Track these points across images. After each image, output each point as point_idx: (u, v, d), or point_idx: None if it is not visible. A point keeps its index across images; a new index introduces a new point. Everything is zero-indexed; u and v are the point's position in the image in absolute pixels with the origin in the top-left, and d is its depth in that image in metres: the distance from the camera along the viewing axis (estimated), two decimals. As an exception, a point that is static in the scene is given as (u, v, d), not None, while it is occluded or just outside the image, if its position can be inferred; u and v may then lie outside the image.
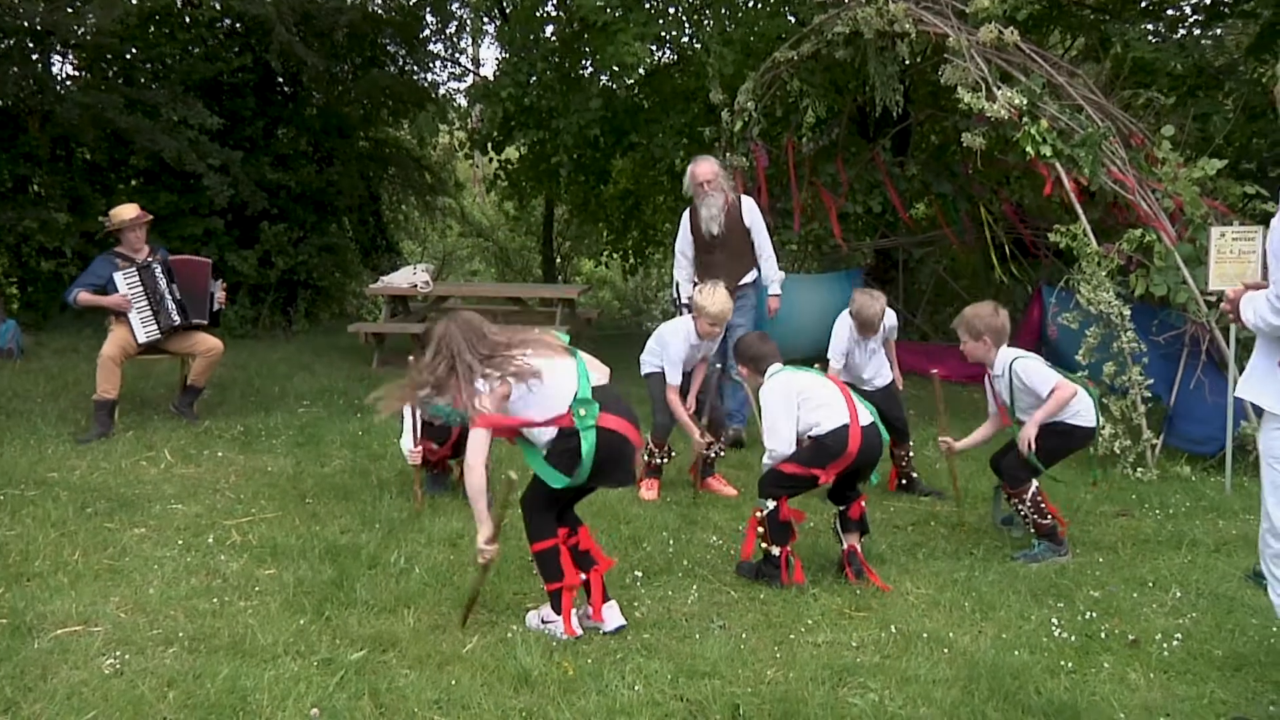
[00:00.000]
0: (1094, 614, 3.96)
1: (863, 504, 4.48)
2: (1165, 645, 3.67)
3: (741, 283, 6.73)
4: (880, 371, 5.90)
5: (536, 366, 3.65)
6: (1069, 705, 3.22)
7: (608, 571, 3.90)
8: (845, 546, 4.41)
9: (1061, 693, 3.32)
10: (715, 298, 5.44)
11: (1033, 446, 4.67)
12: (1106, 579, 4.38)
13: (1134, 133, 6.94)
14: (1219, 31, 9.82)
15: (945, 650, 3.64)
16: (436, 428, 5.35)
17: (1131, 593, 4.23)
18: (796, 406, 4.33)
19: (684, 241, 6.91)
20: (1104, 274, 6.33)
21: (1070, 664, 3.53)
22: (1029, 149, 6.58)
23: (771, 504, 4.33)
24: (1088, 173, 6.52)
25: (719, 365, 5.90)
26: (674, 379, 5.59)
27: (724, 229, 6.68)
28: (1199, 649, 3.66)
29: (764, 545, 4.34)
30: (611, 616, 3.79)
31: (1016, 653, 3.61)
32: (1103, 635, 3.78)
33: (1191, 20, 10.51)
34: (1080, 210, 6.56)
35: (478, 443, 3.64)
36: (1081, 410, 4.73)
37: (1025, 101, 6.59)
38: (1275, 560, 3.05)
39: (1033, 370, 4.71)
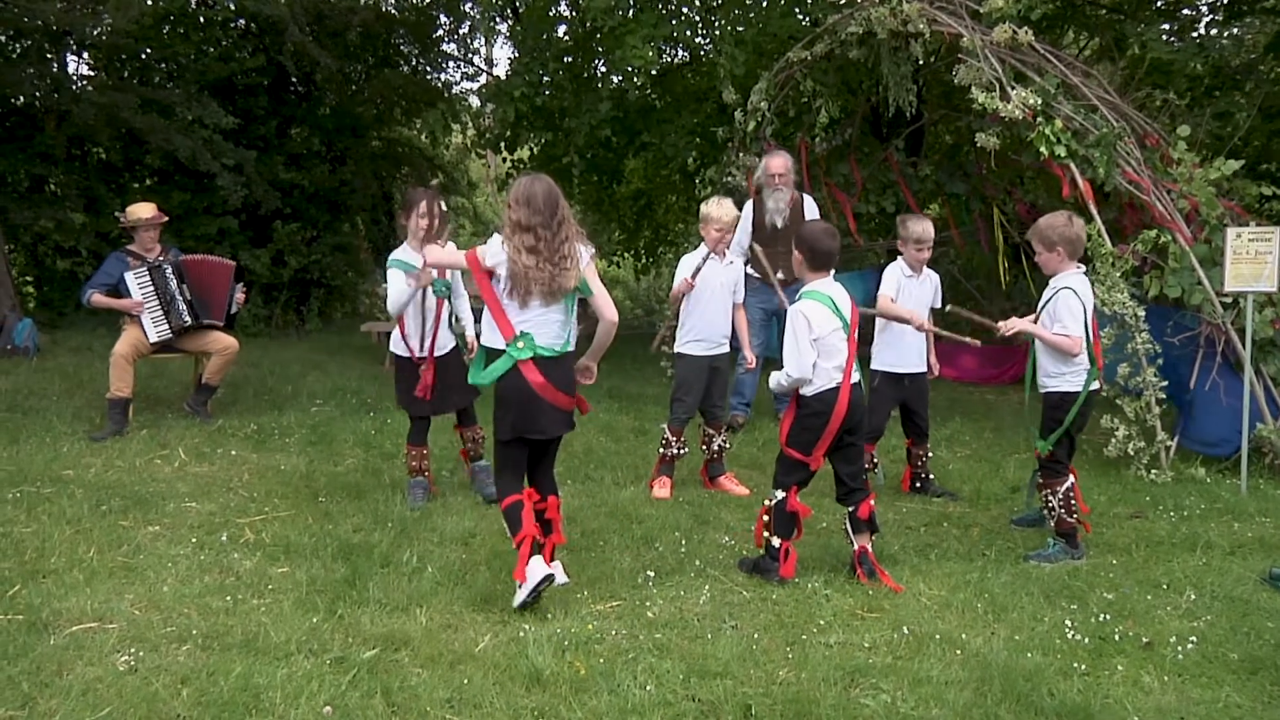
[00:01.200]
0: (1108, 616, 3.94)
1: (871, 504, 4.47)
2: (1180, 648, 3.65)
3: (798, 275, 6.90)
4: (922, 352, 5.85)
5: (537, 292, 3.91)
6: (1082, 708, 3.21)
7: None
8: (856, 548, 4.41)
9: (1074, 695, 3.30)
10: (721, 205, 5.67)
11: (1008, 331, 4.79)
12: (1120, 581, 4.36)
13: (1149, 133, 6.90)
14: (1237, 30, 9.76)
15: (958, 651, 3.63)
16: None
17: (1145, 595, 4.21)
18: (813, 345, 4.33)
19: (744, 234, 7.10)
20: (1119, 275, 6.30)
21: (1083, 666, 3.51)
22: (1043, 149, 6.55)
23: (781, 494, 4.36)
24: (1102, 173, 6.49)
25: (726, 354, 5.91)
26: (682, 271, 5.79)
27: (787, 222, 7.03)
28: (1214, 652, 3.64)
29: (766, 535, 4.37)
30: (534, 571, 3.86)
31: (1029, 654, 3.59)
32: (1116, 637, 3.76)
33: (1209, 19, 10.46)
34: (1095, 211, 6.53)
35: (451, 257, 4.26)
36: (1069, 372, 4.69)
37: (1040, 101, 6.57)
38: None
39: (1068, 304, 4.63)
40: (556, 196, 3.95)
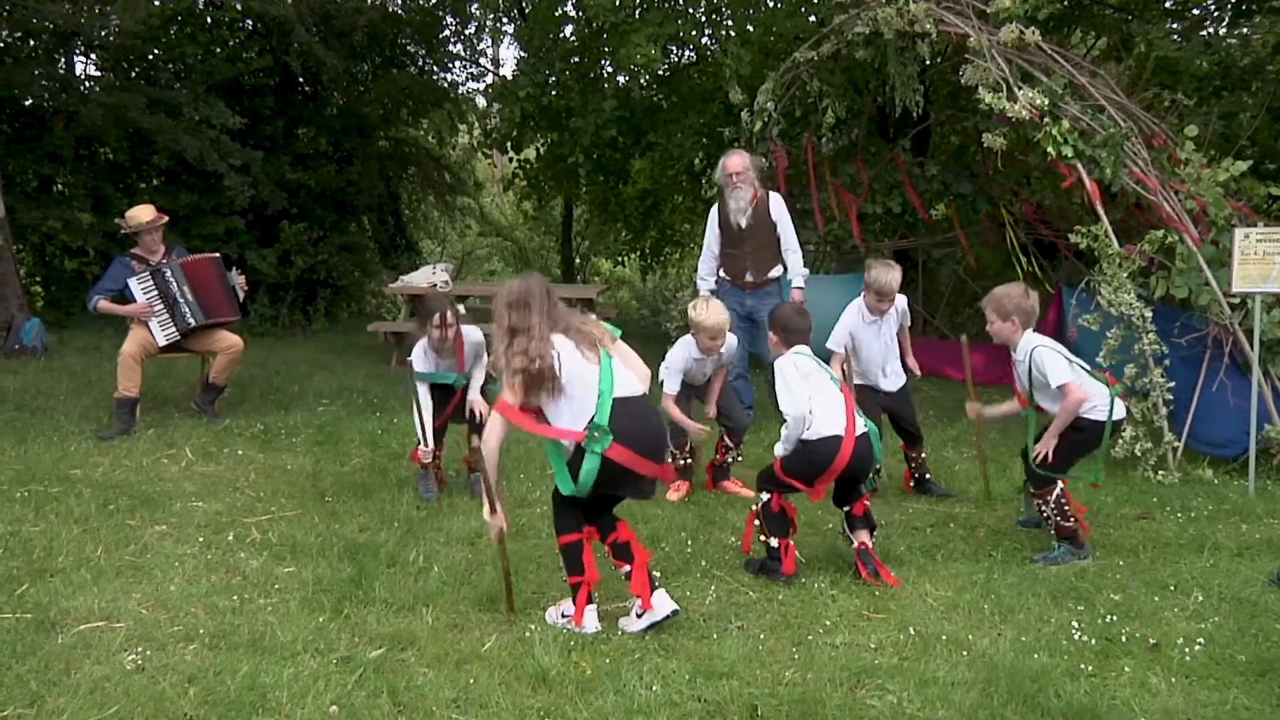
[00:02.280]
0: (1114, 617, 3.94)
1: (866, 502, 4.49)
2: (1187, 650, 3.64)
3: (768, 276, 6.87)
4: (895, 371, 5.87)
5: (566, 375, 3.71)
6: (1089, 709, 3.20)
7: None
8: (856, 544, 4.41)
9: (1081, 696, 3.30)
10: (710, 311, 5.46)
11: (1050, 459, 4.62)
12: (1127, 582, 4.35)
13: (1156, 133, 6.89)
14: (1245, 30, 9.72)
15: (964, 652, 3.62)
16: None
17: (1153, 596, 4.20)
18: (804, 382, 4.33)
19: (711, 236, 7.03)
20: (1125, 275, 6.28)
21: (1090, 667, 3.51)
22: (1050, 149, 6.54)
23: (765, 496, 4.38)
24: (1109, 173, 6.48)
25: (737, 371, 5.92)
26: (670, 388, 5.58)
27: (751, 221, 6.81)
28: (1222, 654, 3.63)
29: (763, 539, 4.38)
30: (661, 604, 3.76)
31: (1036, 656, 3.59)
32: (1123, 639, 3.75)
33: (1216, 18, 10.43)
34: (1101, 211, 6.51)
35: (495, 426, 3.77)
36: (1097, 405, 4.63)
37: (1046, 102, 6.55)
38: None
39: (1047, 360, 4.60)
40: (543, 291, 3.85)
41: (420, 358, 5.49)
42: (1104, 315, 6.43)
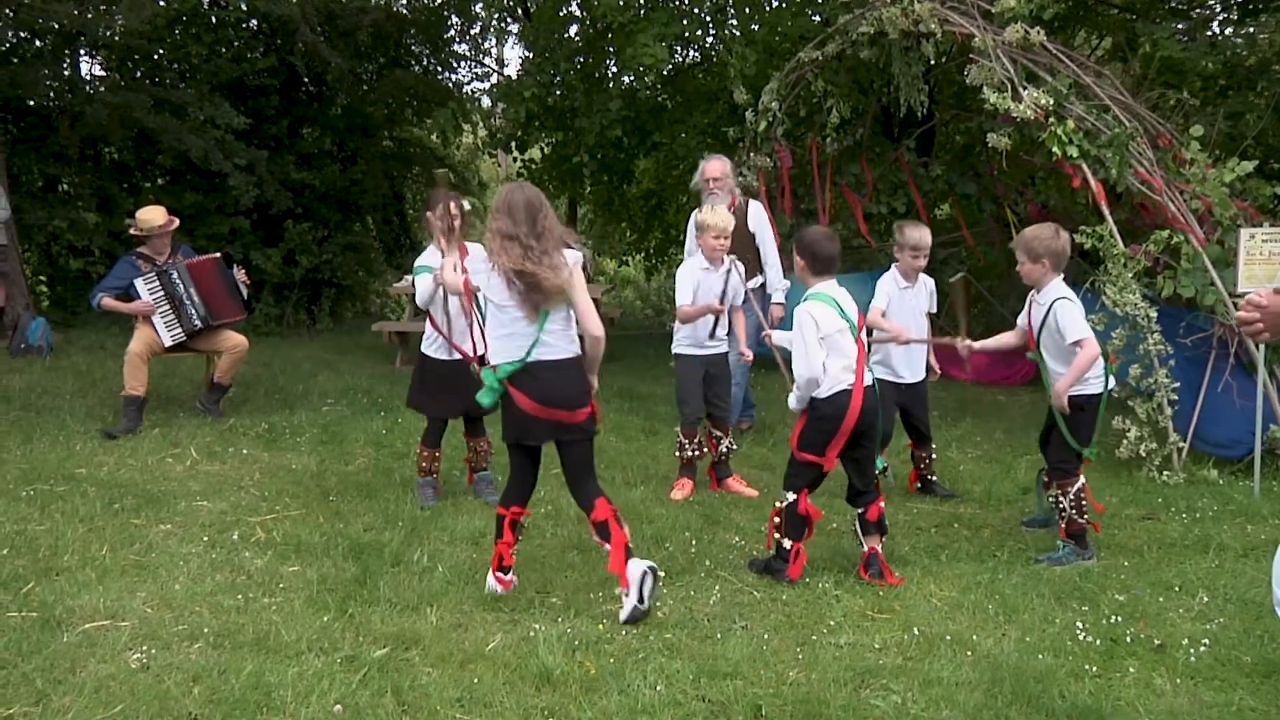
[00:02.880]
0: (1119, 618, 3.93)
1: (880, 506, 4.47)
2: (1192, 651, 3.63)
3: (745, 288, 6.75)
4: (918, 362, 5.83)
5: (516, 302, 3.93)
6: (1093, 710, 3.20)
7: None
8: (866, 549, 4.41)
9: (1086, 697, 3.29)
10: (715, 212, 5.57)
11: (1066, 410, 4.63)
12: (1132, 583, 4.34)
13: (1162, 133, 6.88)
14: (1252, 29, 9.71)
15: (968, 653, 3.62)
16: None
17: (1157, 597, 4.19)
18: (821, 343, 4.30)
19: (693, 242, 6.82)
20: (1130, 275, 6.27)
21: (1095, 668, 3.50)
22: (1055, 149, 6.53)
23: (792, 496, 4.35)
24: (1114, 173, 6.47)
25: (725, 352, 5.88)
26: (682, 298, 5.67)
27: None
28: (1227, 655, 3.62)
29: (777, 537, 4.36)
30: (634, 570, 3.86)
31: (1040, 656, 3.59)
32: (1128, 640, 3.74)
33: (1222, 18, 10.41)
34: (1106, 211, 6.50)
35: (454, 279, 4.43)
36: (1091, 377, 4.66)
37: (1051, 102, 6.55)
38: None
39: (1069, 314, 4.58)
40: (538, 205, 3.95)
41: (429, 256, 5.38)
42: (1109, 315, 6.41)
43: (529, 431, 4.04)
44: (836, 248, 4.46)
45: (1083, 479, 4.68)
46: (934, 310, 5.95)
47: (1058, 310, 4.61)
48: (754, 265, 6.75)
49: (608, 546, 3.92)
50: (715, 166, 6.74)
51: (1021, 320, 4.93)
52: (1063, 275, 4.77)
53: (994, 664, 3.51)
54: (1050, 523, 4.96)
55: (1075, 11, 10.23)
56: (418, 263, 5.39)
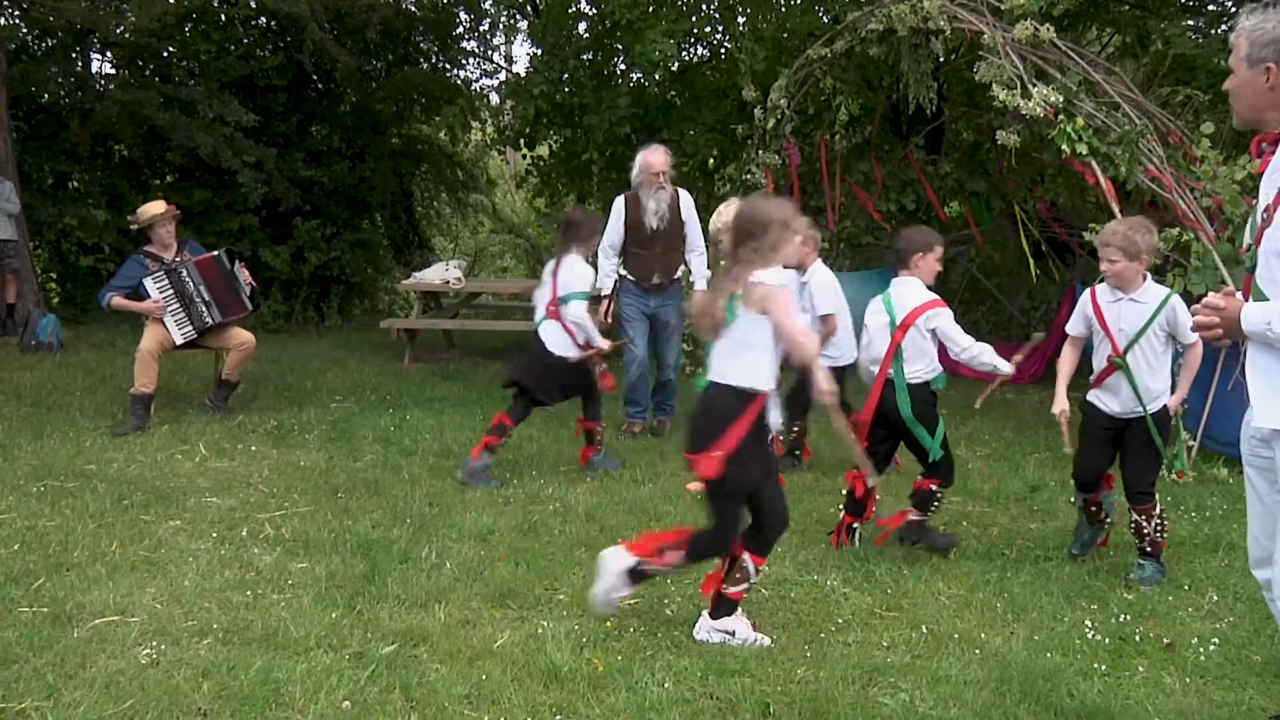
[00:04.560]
0: (1128, 617, 3.92)
1: (928, 483, 4.66)
2: (1202, 650, 3.62)
3: (676, 277, 6.85)
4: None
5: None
6: (1102, 709, 3.19)
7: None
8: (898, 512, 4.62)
9: (1095, 696, 3.28)
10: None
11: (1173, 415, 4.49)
12: (1140, 582, 4.33)
13: (1172, 130, 6.85)
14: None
15: (977, 651, 3.61)
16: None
17: (1167, 596, 4.18)
18: None
19: (615, 234, 6.82)
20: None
21: (1104, 667, 3.50)
22: (1064, 147, 6.51)
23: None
24: (1124, 171, 6.45)
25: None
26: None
27: (665, 223, 6.68)
28: (1237, 654, 3.61)
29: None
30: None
31: (1049, 655, 3.58)
32: (1137, 638, 3.73)
33: (1235, 14, 10.35)
34: (1117, 209, 6.48)
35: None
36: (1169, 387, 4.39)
37: (1061, 99, 6.53)
38: None
39: (1184, 311, 4.16)
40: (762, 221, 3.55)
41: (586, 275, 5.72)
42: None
43: None
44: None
45: (1160, 505, 4.42)
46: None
47: (1178, 307, 4.21)
48: (682, 255, 6.82)
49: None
50: (661, 158, 6.66)
51: (1073, 328, 4.50)
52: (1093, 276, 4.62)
53: (1002, 662, 3.50)
54: (1094, 540, 4.69)
55: (1085, 8, 10.18)
56: (574, 291, 5.61)
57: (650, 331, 6.89)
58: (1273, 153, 2.68)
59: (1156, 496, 4.38)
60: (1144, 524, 4.34)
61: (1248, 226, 2.78)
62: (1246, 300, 2.68)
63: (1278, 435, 2.62)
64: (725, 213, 5.49)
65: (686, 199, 6.83)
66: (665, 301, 6.78)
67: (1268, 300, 2.60)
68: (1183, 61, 8.42)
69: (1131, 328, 4.26)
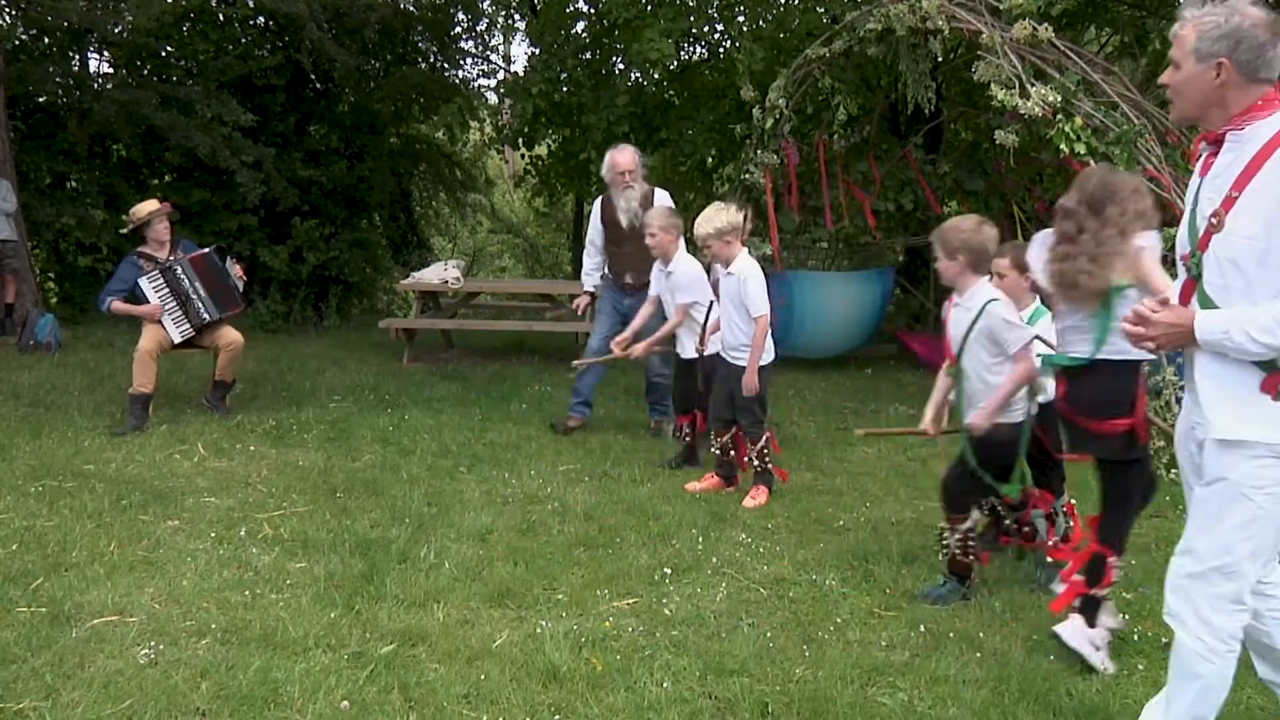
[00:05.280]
0: (1127, 616, 3.92)
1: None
2: (1199, 649, 3.62)
3: (648, 280, 6.58)
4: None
5: None
6: (1101, 708, 3.19)
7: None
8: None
9: (1093, 695, 3.29)
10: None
11: (978, 431, 3.95)
12: (1140, 581, 4.33)
13: (1170, 130, 6.85)
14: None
15: (975, 651, 3.61)
16: None
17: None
18: None
19: (595, 231, 6.90)
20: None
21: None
22: (1063, 147, 6.51)
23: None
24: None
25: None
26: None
27: (638, 222, 6.55)
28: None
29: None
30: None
31: (1048, 655, 3.58)
32: (1135, 638, 3.74)
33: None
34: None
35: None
36: (1016, 401, 3.99)
37: (1059, 99, 6.53)
38: (1218, 600, 2.62)
39: (1005, 319, 3.90)
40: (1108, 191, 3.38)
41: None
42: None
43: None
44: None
45: (975, 517, 4.14)
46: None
47: (990, 316, 3.91)
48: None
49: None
50: (627, 158, 6.62)
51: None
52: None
53: (1001, 662, 3.51)
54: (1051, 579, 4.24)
55: (1084, 8, 10.20)
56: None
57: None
58: (1214, 154, 2.58)
59: (970, 512, 4.10)
60: (945, 533, 4.14)
61: (1184, 230, 2.66)
62: (1185, 304, 2.61)
63: (1230, 445, 2.53)
64: (716, 219, 5.38)
65: (662, 198, 6.77)
66: (640, 302, 6.59)
67: (1217, 308, 2.52)
68: (1181, 61, 8.41)
69: (958, 334, 4.04)
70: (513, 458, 6.21)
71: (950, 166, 10.15)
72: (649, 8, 10.24)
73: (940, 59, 7.93)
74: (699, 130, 11.05)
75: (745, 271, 5.39)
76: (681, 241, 6.01)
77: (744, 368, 5.38)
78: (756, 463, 5.48)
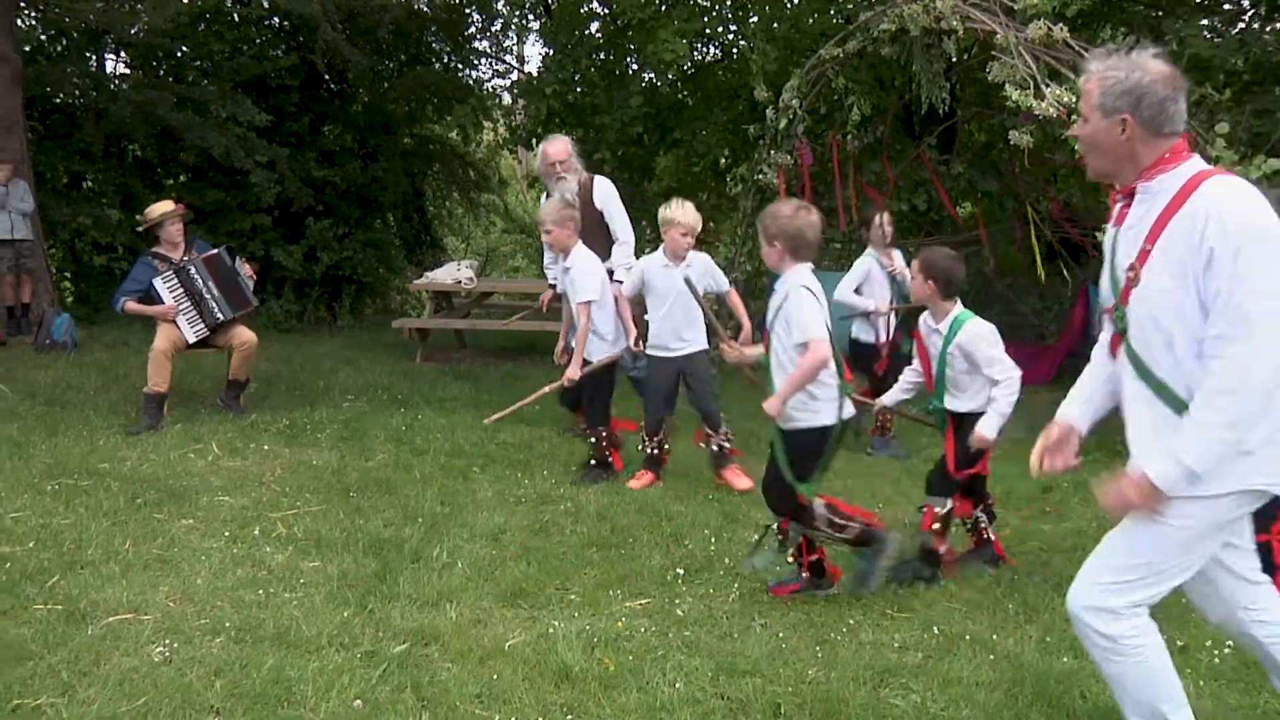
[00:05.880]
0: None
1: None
2: (1215, 653, 3.60)
3: None
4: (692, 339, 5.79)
5: None
6: (1115, 711, 3.16)
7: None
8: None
9: (1108, 699, 3.26)
10: (685, 208, 5.51)
11: (779, 412, 3.91)
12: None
13: (1186, 130, 6.81)
14: (1280, 25, 9.61)
15: (989, 653, 3.60)
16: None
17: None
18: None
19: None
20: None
21: (1117, 669, 3.48)
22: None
23: (949, 504, 4.39)
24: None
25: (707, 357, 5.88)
26: (627, 289, 5.81)
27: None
28: (1251, 658, 3.57)
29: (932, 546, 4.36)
30: None
31: (1062, 657, 3.56)
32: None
33: (1251, 14, 10.29)
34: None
35: None
36: (822, 400, 3.94)
37: (1074, 99, 6.49)
38: (1113, 606, 2.59)
39: (802, 306, 3.86)
40: None
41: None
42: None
43: None
44: (961, 271, 4.37)
45: (822, 507, 4.09)
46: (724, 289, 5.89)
47: (793, 299, 3.88)
48: (605, 244, 6.49)
49: None
50: (558, 148, 6.52)
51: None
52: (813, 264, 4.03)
53: (1015, 664, 3.49)
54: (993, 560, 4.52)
55: (1100, 8, 10.14)
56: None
57: None
58: (1128, 206, 2.56)
59: (802, 515, 4.04)
60: (786, 533, 4.16)
61: (1106, 283, 2.64)
62: (1114, 356, 2.61)
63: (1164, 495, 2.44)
64: (696, 215, 5.47)
65: (602, 187, 6.59)
66: None
67: (1143, 362, 2.49)
68: (1198, 61, 8.37)
69: (771, 315, 4.04)
70: (525, 458, 6.22)
71: (964, 167, 10.12)
72: (663, 8, 10.24)
73: (954, 59, 7.91)
74: (712, 130, 11.04)
75: (701, 264, 5.59)
76: (578, 236, 5.80)
77: (686, 357, 5.63)
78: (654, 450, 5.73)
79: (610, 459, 5.82)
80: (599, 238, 6.41)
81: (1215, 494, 2.42)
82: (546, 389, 5.34)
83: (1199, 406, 2.36)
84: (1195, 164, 2.46)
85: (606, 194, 6.63)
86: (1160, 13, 9.97)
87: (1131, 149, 2.49)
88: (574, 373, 5.58)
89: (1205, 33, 9.01)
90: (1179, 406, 2.43)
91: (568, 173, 6.49)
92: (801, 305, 3.86)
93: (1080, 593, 2.64)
